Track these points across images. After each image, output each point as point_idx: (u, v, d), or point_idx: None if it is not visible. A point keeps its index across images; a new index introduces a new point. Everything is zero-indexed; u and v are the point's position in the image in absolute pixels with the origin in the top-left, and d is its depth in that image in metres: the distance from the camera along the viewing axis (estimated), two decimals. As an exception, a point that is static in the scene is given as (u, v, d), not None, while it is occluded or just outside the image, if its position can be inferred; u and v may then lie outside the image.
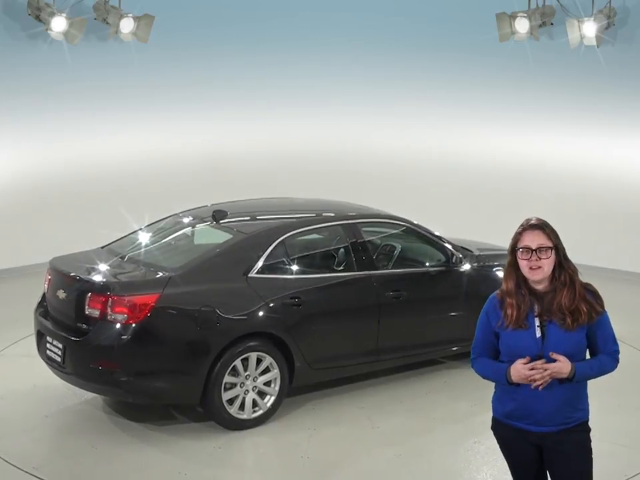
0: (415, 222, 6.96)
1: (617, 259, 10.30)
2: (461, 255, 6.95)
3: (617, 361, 3.52)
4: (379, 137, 11.36)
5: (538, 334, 3.41)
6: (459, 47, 10.77)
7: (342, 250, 6.51)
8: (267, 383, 5.87)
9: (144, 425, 5.84)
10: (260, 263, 5.96)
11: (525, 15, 9.85)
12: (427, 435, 5.87)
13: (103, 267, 5.96)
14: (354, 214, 6.78)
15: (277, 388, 5.89)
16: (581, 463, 3.50)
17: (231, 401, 5.72)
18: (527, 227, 3.46)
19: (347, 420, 6.05)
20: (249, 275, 5.89)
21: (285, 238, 6.17)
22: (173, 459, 5.39)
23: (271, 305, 5.84)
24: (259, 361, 5.81)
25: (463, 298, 6.85)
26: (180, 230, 6.60)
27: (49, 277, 6.15)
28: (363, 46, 11.14)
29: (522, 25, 9.83)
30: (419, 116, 11.19)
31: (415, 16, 10.94)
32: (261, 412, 5.85)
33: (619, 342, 3.55)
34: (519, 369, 3.38)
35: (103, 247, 6.57)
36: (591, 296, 3.45)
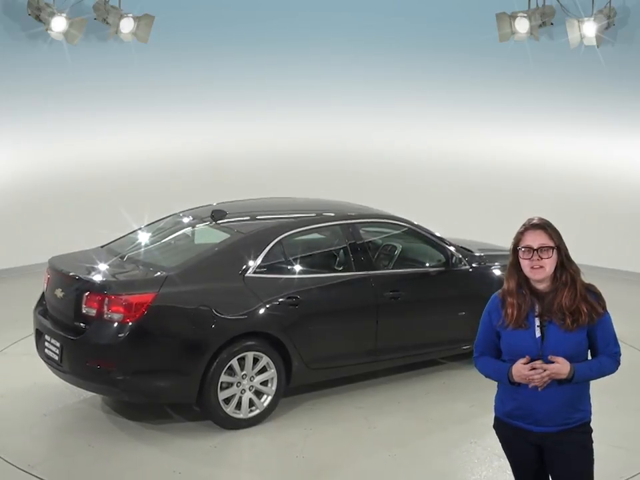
0: (415, 222, 6.94)
1: (617, 259, 10.29)
2: (460, 256, 6.92)
3: (618, 362, 3.51)
4: (379, 137, 11.35)
5: (538, 334, 3.40)
6: (459, 47, 10.77)
7: (340, 250, 6.50)
8: (264, 383, 5.86)
9: (141, 424, 5.85)
10: (257, 263, 5.96)
11: (525, 15, 9.84)
12: (424, 435, 5.85)
13: (101, 266, 5.97)
14: (352, 214, 6.77)
15: (274, 387, 5.89)
16: (582, 463, 3.50)
17: (227, 400, 5.72)
18: (529, 226, 3.46)
19: (344, 420, 6.04)
20: (246, 275, 5.89)
21: (283, 238, 6.16)
22: (169, 457, 5.39)
23: (268, 304, 5.84)
24: (255, 360, 5.80)
25: (462, 298, 6.83)
26: (179, 229, 6.61)
27: (48, 276, 6.17)
28: (362, 46, 11.13)
29: (522, 25, 9.83)
30: (419, 116, 11.18)
31: (415, 16, 10.94)
32: (257, 411, 5.85)
33: (619, 342, 3.54)
34: (519, 369, 3.38)
35: (102, 247, 6.58)
36: (593, 297, 3.44)
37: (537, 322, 3.42)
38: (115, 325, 5.46)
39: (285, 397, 6.11)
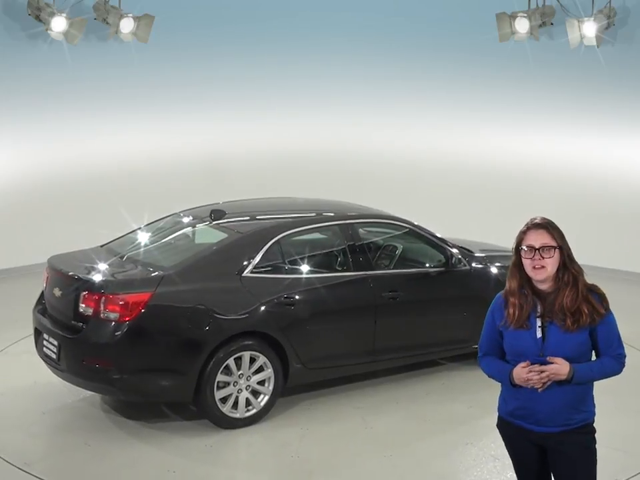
0: (414, 222, 6.92)
1: (617, 259, 10.28)
2: (460, 256, 6.90)
3: (622, 364, 3.49)
4: (378, 137, 11.35)
5: (539, 334, 3.40)
6: (459, 47, 10.77)
7: (339, 250, 6.48)
8: (261, 382, 5.87)
9: (139, 423, 5.86)
10: (254, 263, 5.96)
11: (525, 15, 9.84)
12: (420, 436, 5.84)
13: (99, 265, 5.97)
14: (351, 214, 6.76)
15: (271, 387, 5.89)
16: (584, 464, 3.49)
17: (224, 400, 5.72)
18: (531, 226, 3.45)
19: (341, 420, 6.03)
20: (243, 275, 5.89)
21: (281, 238, 6.16)
22: (165, 456, 5.40)
23: (265, 304, 5.84)
24: (252, 360, 5.80)
25: (462, 299, 6.82)
26: (178, 229, 6.61)
27: (47, 275, 6.19)
28: (363, 46, 11.13)
29: (522, 25, 9.83)
30: (419, 116, 11.18)
31: (415, 16, 10.94)
32: (254, 411, 5.85)
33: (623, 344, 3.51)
34: (519, 372, 3.38)
35: (102, 246, 6.59)
36: (596, 297, 3.43)
37: (539, 322, 3.41)
38: (112, 324, 5.47)
39: (282, 397, 6.12)
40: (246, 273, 5.91)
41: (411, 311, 6.59)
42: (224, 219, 6.39)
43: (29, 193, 10.14)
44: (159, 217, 6.96)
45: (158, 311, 5.55)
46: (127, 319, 5.44)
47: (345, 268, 6.39)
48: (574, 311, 3.37)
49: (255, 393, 5.87)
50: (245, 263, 5.93)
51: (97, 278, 5.71)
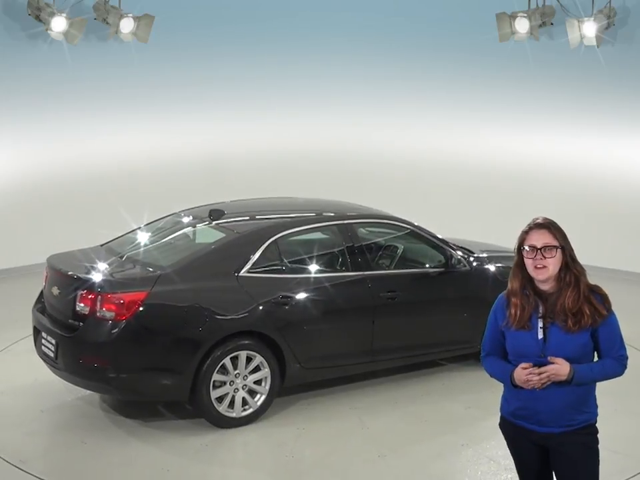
0: (414, 222, 6.90)
1: (617, 259, 10.28)
2: (460, 256, 6.88)
3: (624, 366, 3.47)
4: (378, 137, 11.35)
5: (540, 335, 3.39)
6: (459, 47, 10.77)
7: (337, 250, 6.46)
8: (258, 382, 5.87)
9: (136, 421, 5.87)
10: (251, 262, 5.95)
11: (525, 14, 9.84)
12: (416, 436, 5.83)
13: (97, 264, 5.98)
14: (349, 214, 6.73)
15: (268, 387, 5.89)
16: (586, 464, 3.48)
17: (220, 399, 5.73)
18: (534, 225, 3.45)
19: (337, 420, 6.03)
20: (240, 274, 5.89)
21: (278, 237, 6.16)
22: (160, 455, 5.41)
23: (262, 304, 5.83)
24: (249, 359, 5.80)
25: (461, 300, 6.81)
26: (178, 229, 6.61)
27: (46, 274, 6.20)
28: (363, 46, 11.13)
29: (522, 25, 9.82)
30: (419, 116, 11.18)
31: (415, 16, 10.94)
32: (251, 410, 5.86)
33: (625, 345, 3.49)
34: (519, 373, 3.38)
35: (101, 245, 6.60)
36: (598, 298, 3.42)
37: (540, 323, 3.41)
38: (108, 323, 5.48)
39: (280, 396, 6.12)
40: (243, 272, 5.90)
41: (410, 311, 6.57)
42: (223, 218, 6.39)
43: (29, 192, 10.15)
44: (159, 217, 6.96)
45: (154, 310, 5.56)
46: (123, 317, 5.45)
47: (343, 268, 6.38)
48: (575, 311, 3.36)
49: (252, 393, 5.86)
50: (242, 262, 5.92)
51: (93, 277, 5.72)
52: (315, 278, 6.19)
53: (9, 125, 9.95)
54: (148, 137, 10.89)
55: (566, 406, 3.41)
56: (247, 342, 5.77)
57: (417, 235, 6.84)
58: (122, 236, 6.78)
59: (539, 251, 3.37)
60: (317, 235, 6.66)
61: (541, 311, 3.42)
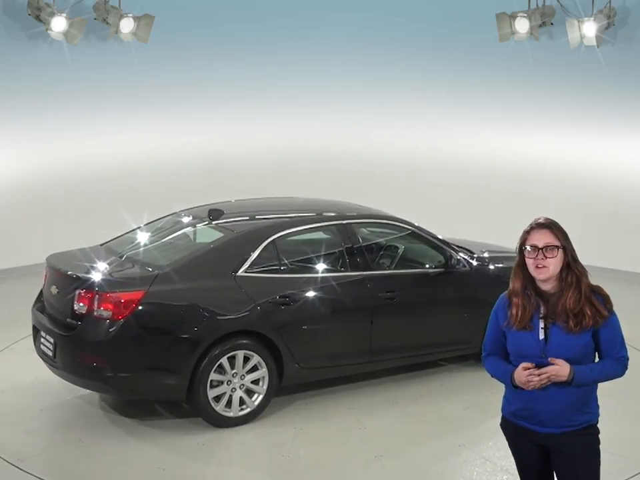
0: (413, 222, 6.89)
1: (617, 259, 10.28)
2: (459, 257, 6.87)
3: (625, 366, 3.47)
4: (378, 137, 11.35)
5: (541, 336, 3.39)
6: (459, 47, 10.77)
7: (335, 250, 6.45)
8: (255, 382, 5.87)
9: (135, 420, 5.88)
10: (249, 262, 5.95)
11: (525, 15, 9.84)
12: (413, 436, 5.82)
13: (96, 264, 5.98)
14: (348, 214, 6.71)
15: (265, 386, 5.89)
16: (587, 464, 3.48)
17: (217, 398, 5.73)
18: (535, 225, 3.45)
19: (335, 420, 6.02)
20: (238, 274, 5.89)
21: (276, 237, 6.16)
22: (157, 454, 5.41)
23: (259, 303, 5.83)
24: (246, 359, 5.80)
25: (461, 300, 6.80)
26: (177, 229, 6.61)
27: (46, 274, 6.22)
28: (363, 46, 11.13)
29: (522, 25, 9.83)
30: (419, 116, 11.18)
31: (415, 16, 10.94)
32: (248, 410, 5.85)
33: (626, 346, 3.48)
34: (519, 374, 3.38)
35: (101, 245, 6.61)
36: (600, 299, 3.41)
37: (542, 324, 3.40)
38: (105, 322, 5.48)
39: (278, 396, 6.12)
40: (240, 272, 5.90)
41: (409, 311, 6.55)
42: (222, 218, 6.39)
43: (29, 192, 10.16)
44: (159, 217, 6.96)
45: (151, 309, 5.56)
46: (120, 317, 5.46)
47: (341, 268, 6.37)
48: (577, 312, 3.36)
49: (249, 392, 5.86)
50: (240, 262, 5.93)
51: (91, 276, 5.72)
52: (312, 278, 6.19)
53: (9, 124, 9.95)
54: (148, 137, 10.89)
55: (567, 406, 3.40)
56: (244, 341, 5.78)
57: (417, 235, 6.83)
58: (122, 235, 6.78)
59: (540, 251, 3.37)
60: (316, 235, 6.64)
61: (542, 312, 3.42)
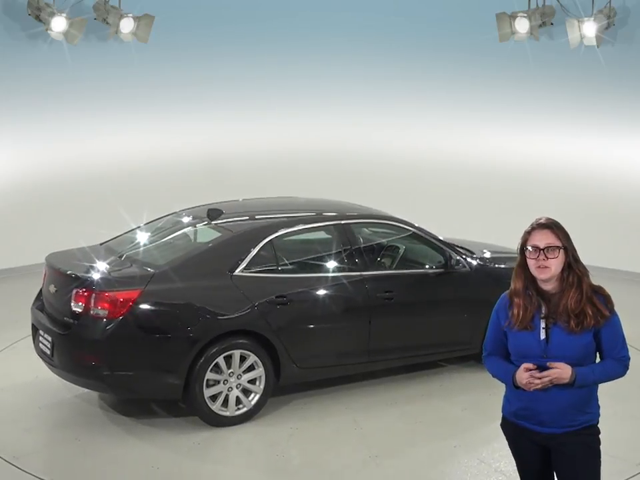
0: (413, 222, 6.88)
1: (617, 259, 10.27)
2: (459, 257, 6.85)
3: (626, 367, 3.47)
4: (379, 137, 11.35)
5: (542, 336, 3.38)
6: (459, 47, 10.77)
7: (333, 250, 6.44)
8: (252, 381, 5.87)
9: (132, 419, 5.89)
10: (246, 262, 5.95)
11: (525, 14, 9.84)
12: (409, 437, 5.80)
13: (94, 263, 5.99)
14: (347, 214, 6.70)
15: (262, 386, 5.89)
16: (587, 464, 3.47)
17: (213, 398, 5.73)
18: (536, 226, 3.44)
19: (331, 420, 6.01)
20: (234, 273, 5.89)
21: (274, 237, 6.15)
22: (152, 453, 5.42)
23: (256, 303, 5.83)
24: (243, 358, 5.80)
25: (461, 300, 6.78)
26: (176, 228, 6.61)
27: (45, 273, 6.24)
28: (363, 46, 11.13)
29: (522, 25, 9.82)
30: (419, 116, 11.18)
31: (415, 16, 10.94)
32: (245, 409, 5.86)
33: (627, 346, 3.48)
34: (521, 375, 3.38)
35: (101, 244, 6.62)
36: (601, 299, 3.41)
37: (543, 324, 3.40)
38: (102, 321, 5.49)
39: (276, 396, 6.11)
40: (237, 271, 5.90)
41: (407, 311, 6.53)
42: (221, 218, 6.39)
43: (29, 192, 10.16)
44: (158, 217, 6.97)
45: (147, 308, 5.56)
46: (117, 315, 5.47)
47: (339, 268, 6.36)
48: (578, 312, 3.35)
49: (246, 392, 5.86)
50: (237, 261, 5.92)
51: (88, 275, 5.73)
52: (310, 278, 6.19)
53: (9, 125, 9.96)
54: (148, 137, 10.90)
55: (568, 407, 3.40)
56: (240, 341, 5.78)
57: (416, 235, 6.82)
58: (122, 235, 6.79)
59: (541, 251, 3.36)
60: (314, 235, 6.64)
61: (543, 312, 3.41)
